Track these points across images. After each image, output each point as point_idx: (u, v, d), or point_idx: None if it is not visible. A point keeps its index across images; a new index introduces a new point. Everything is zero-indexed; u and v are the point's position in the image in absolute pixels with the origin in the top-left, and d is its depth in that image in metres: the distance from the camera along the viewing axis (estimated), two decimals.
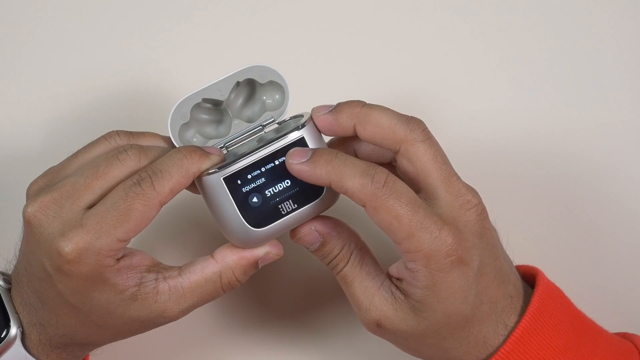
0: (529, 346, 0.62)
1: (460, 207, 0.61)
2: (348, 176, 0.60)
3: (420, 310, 0.61)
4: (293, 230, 0.64)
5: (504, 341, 0.62)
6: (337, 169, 0.60)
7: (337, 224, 0.64)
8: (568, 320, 0.64)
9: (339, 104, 0.63)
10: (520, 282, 0.64)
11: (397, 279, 0.62)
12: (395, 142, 0.62)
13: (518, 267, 0.67)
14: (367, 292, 0.63)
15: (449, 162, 0.63)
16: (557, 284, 0.66)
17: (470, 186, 0.63)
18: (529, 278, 0.66)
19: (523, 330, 0.62)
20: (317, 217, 0.64)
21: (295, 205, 0.63)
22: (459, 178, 0.62)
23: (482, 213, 0.62)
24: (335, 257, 0.64)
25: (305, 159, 0.61)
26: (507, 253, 0.65)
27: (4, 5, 0.81)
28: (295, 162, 0.61)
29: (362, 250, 0.64)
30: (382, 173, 0.60)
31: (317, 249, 0.64)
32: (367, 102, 0.63)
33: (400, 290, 0.62)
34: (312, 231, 0.63)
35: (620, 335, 0.68)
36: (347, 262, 0.64)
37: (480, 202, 0.62)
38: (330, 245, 0.64)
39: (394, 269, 0.63)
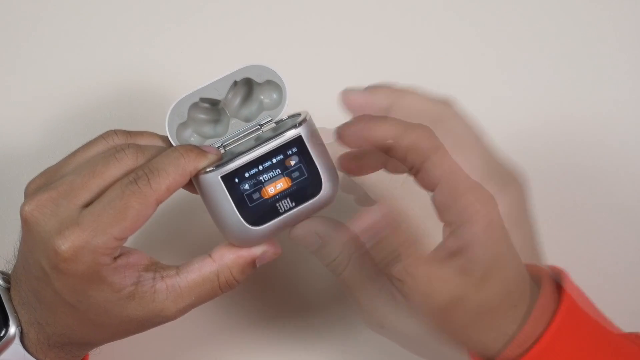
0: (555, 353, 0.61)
1: (508, 194, 0.62)
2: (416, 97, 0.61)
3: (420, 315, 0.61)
4: (292, 231, 0.64)
5: (504, 348, 0.61)
6: (399, 93, 0.62)
7: (337, 226, 0.64)
8: (590, 340, 0.62)
9: (371, 85, 0.63)
10: (528, 290, 0.62)
11: (399, 280, 0.62)
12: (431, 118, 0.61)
13: (541, 268, 0.65)
14: (368, 294, 0.63)
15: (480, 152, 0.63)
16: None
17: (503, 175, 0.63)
18: (535, 279, 0.64)
19: (539, 351, 0.60)
20: (317, 217, 0.64)
21: (293, 204, 0.63)
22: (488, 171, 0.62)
23: (495, 220, 0.59)
24: (335, 259, 0.64)
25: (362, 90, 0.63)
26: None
27: (4, 5, 0.81)
28: (353, 92, 0.63)
29: (362, 253, 0.64)
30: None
31: (317, 250, 0.64)
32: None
33: (401, 292, 0.62)
34: (311, 233, 0.63)
35: (633, 336, 0.67)
36: (347, 264, 0.63)
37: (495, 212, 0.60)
38: (329, 247, 0.63)
39: (395, 271, 0.62)
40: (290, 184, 0.63)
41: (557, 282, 0.64)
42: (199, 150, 0.63)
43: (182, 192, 0.65)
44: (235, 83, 0.66)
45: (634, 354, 0.64)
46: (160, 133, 0.66)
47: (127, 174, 0.62)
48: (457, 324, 0.61)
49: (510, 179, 0.61)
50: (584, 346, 0.61)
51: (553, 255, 0.77)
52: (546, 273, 0.64)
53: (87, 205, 0.61)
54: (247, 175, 0.62)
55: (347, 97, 0.63)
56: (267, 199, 0.63)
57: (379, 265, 0.63)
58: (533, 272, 0.66)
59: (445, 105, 0.62)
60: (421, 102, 0.62)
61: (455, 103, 0.62)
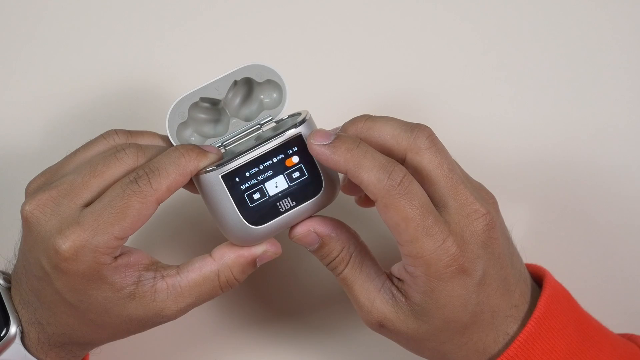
0: (531, 352, 0.62)
1: (467, 216, 0.60)
2: (366, 168, 0.59)
3: (420, 314, 0.61)
4: (291, 231, 0.64)
5: (505, 348, 0.62)
6: (357, 158, 0.60)
7: (337, 225, 0.64)
8: (573, 325, 0.63)
9: (337, 136, 0.61)
10: (529, 289, 0.64)
11: (399, 279, 0.62)
12: (400, 152, 0.61)
13: (526, 266, 0.66)
14: (368, 294, 0.63)
15: (457, 169, 0.62)
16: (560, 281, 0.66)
17: (482, 193, 0.63)
18: (537, 279, 0.66)
19: (527, 336, 0.61)
20: (316, 217, 0.64)
21: (294, 203, 0.63)
22: (467, 185, 0.62)
23: (491, 223, 0.61)
24: (335, 258, 0.64)
25: (327, 142, 0.61)
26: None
27: (4, 5, 0.81)
28: (317, 143, 0.61)
29: (362, 252, 0.64)
30: (400, 171, 0.59)
31: (316, 249, 0.64)
32: (371, 115, 0.63)
33: (401, 292, 0.62)
34: (310, 232, 0.63)
35: (625, 337, 0.68)
36: (347, 264, 0.63)
37: (488, 212, 0.61)
38: (329, 247, 0.63)
39: (395, 269, 0.63)
40: (290, 183, 0.63)
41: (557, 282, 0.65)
42: (199, 149, 0.63)
43: (182, 192, 0.65)
44: (236, 82, 0.66)
45: (610, 336, 0.65)
46: (161, 133, 0.66)
47: (127, 174, 0.62)
48: (458, 323, 0.61)
49: (469, 220, 0.61)
50: (566, 336, 0.62)
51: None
52: (548, 273, 0.65)
53: (88, 204, 0.61)
54: (247, 174, 0.62)
55: (311, 147, 0.61)
56: (267, 199, 0.63)
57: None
58: (535, 272, 0.66)
59: (417, 134, 0.61)
60: (393, 130, 0.61)
61: (427, 131, 0.61)
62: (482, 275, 0.60)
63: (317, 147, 0.60)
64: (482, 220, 0.61)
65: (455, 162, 0.63)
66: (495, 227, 0.61)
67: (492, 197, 0.64)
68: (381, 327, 0.63)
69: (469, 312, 0.61)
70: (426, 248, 0.59)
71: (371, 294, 0.63)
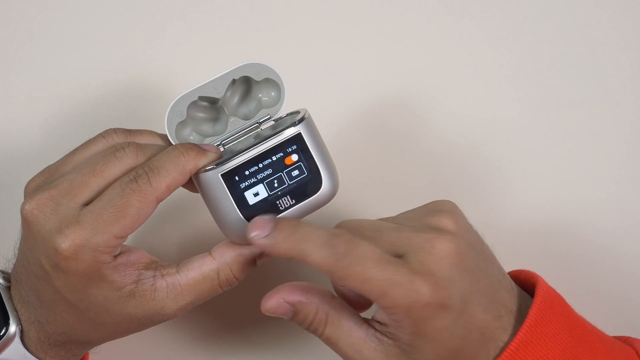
0: (525, 359, 0.61)
1: (422, 248, 0.59)
2: (308, 251, 0.58)
3: (411, 352, 0.60)
4: (262, 305, 0.62)
5: (498, 355, 0.61)
6: (297, 244, 0.59)
7: (306, 289, 0.62)
8: (567, 330, 0.62)
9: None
10: (512, 296, 0.62)
11: (382, 323, 0.61)
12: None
13: (518, 273, 0.66)
14: (355, 346, 0.61)
15: (384, 233, 0.60)
16: (554, 287, 0.66)
17: (429, 214, 0.61)
18: (529, 285, 0.65)
19: (518, 344, 0.60)
20: (284, 286, 0.62)
21: (293, 201, 0.63)
22: (403, 227, 0.60)
23: (452, 240, 0.59)
24: (312, 321, 0.62)
25: (265, 233, 0.60)
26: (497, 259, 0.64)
27: (4, 5, 0.81)
28: (254, 235, 0.60)
29: (338, 308, 0.62)
30: (343, 241, 0.58)
31: (292, 317, 0.62)
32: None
33: (386, 335, 0.60)
34: (282, 303, 0.62)
35: (621, 340, 0.67)
36: (326, 323, 0.62)
37: (440, 233, 0.59)
38: (303, 312, 0.62)
39: (378, 315, 0.61)
40: (290, 182, 0.63)
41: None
42: (198, 148, 0.63)
43: (182, 191, 0.65)
44: (234, 81, 0.66)
45: (605, 340, 0.64)
46: (160, 132, 0.66)
47: (127, 173, 0.62)
48: (449, 351, 0.61)
49: (429, 248, 0.59)
50: (560, 339, 0.62)
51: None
52: (540, 279, 0.64)
53: (87, 203, 0.61)
54: (247, 173, 0.63)
55: (251, 240, 0.60)
56: (267, 197, 0.63)
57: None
58: (527, 278, 0.66)
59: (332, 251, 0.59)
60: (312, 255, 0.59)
61: (340, 241, 0.59)
62: (461, 299, 0.59)
63: (257, 241, 0.60)
64: (439, 243, 0.59)
65: (390, 226, 0.61)
66: (458, 242, 0.60)
67: (447, 209, 0.62)
68: None
69: (458, 336, 0.59)
70: (397, 297, 0.57)
71: (358, 345, 0.61)
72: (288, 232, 0.59)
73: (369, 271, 0.57)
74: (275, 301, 0.61)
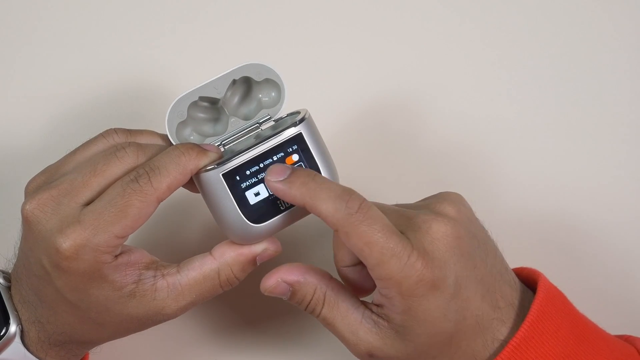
0: (525, 356, 0.61)
1: (420, 227, 0.60)
2: (322, 200, 0.59)
3: (404, 334, 0.60)
4: (261, 284, 0.63)
5: (497, 353, 0.61)
6: (312, 191, 0.59)
7: (304, 270, 0.63)
8: (568, 327, 0.62)
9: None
10: (514, 291, 0.63)
11: (377, 305, 0.61)
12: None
13: (520, 270, 0.66)
14: (351, 327, 0.62)
15: (386, 207, 0.61)
16: (555, 284, 0.66)
17: (436, 201, 0.62)
18: (531, 282, 0.65)
19: (520, 340, 0.61)
20: (283, 266, 0.63)
21: None
22: (406, 211, 0.61)
23: (449, 223, 0.60)
24: (310, 302, 0.63)
25: (282, 178, 0.61)
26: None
27: (4, 5, 0.81)
28: (273, 180, 0.61)
29: (336, 289, 0.63)
30: (357, 199, 0.59)
31: (290, 297, 0.63)
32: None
33: (381, 317, 0.61)
34: (280, 283, 0.63)
35: (622, 339, 0.67)
36: (323, 304, 0.63)
37: (440, 215, 0.60)
38: (301, 292, 0.63)
39: (376, 297, 0.62)
40: None
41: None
42: (199, 148, 0.63)
43: (182, 191, 0.65)
44: (234, 81, 0.66)
45: (607, 339, 0.64)
46: (160, 132, 0.67)
47: (128, 173, 0.62)
48: (443, 335, 0.61)
49: (428, 228, 0.60)
50: (561, 337, 0.62)
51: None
52: (542, 276, 0.65)
53: (88, 203, 0.61)
54: (248, 172, 0.63)
55: (268, 183, 0.61)
56: (268, 197, 0.63)
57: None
58: (529, 275, 0.66)
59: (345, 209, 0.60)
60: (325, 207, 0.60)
61: (355, 196, 0.60)
62: (455, 281, 0.60)
63: (274, 184, 0.61)
64: (436, 224, 0.60)
65: (393, 207, 0.63)
66: (456, 226, 0.60)
67: (452, 198, 0.63)
68: (371, 356, 0.62)
69: (451, 320, 0.60)
70: (393, 268, 0.58)
71: (353, 326, 0.62)
72: (305, 180, 0.60)
73: (375, 234, 0.58)
74: (274, 281, 0.62)
